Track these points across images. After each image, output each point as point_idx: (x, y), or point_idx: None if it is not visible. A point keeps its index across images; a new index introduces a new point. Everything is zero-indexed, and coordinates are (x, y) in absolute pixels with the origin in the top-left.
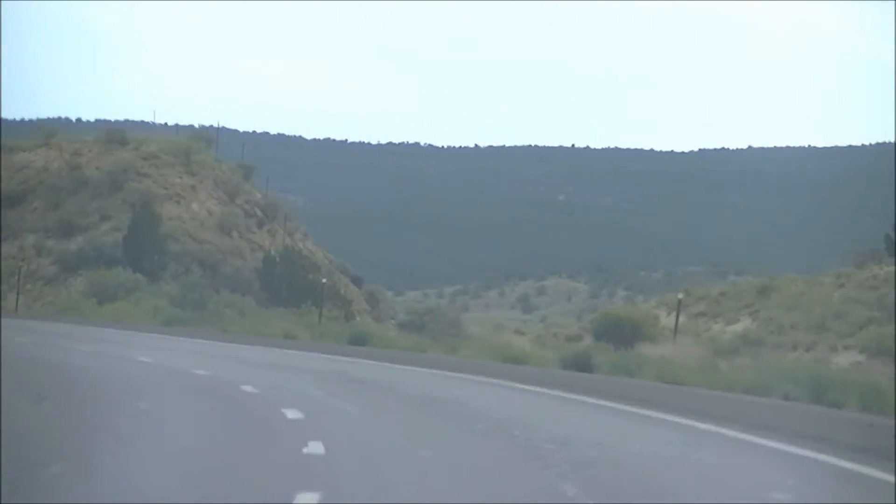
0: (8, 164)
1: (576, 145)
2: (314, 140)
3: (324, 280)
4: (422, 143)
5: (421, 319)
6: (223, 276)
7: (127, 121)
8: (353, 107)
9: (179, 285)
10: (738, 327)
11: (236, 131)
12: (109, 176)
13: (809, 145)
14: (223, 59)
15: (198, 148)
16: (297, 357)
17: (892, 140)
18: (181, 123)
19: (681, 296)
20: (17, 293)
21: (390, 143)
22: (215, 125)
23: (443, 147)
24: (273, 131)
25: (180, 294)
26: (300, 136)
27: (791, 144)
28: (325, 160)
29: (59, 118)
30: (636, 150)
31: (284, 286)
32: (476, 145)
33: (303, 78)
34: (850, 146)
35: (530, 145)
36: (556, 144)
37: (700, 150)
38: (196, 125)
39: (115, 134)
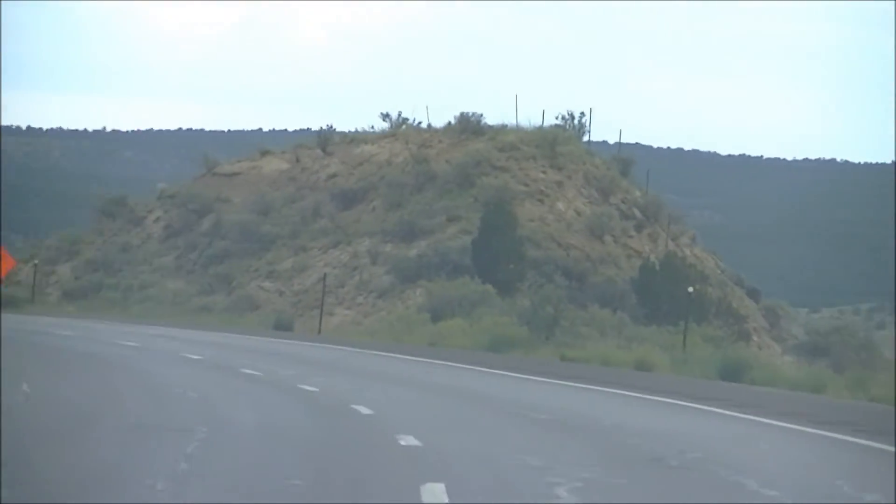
0: (347, 158)
1: None
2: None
3: (690, 289)
4: (838, 160)
5: (825, 341)
6: (592, 288)
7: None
8: (771, 124)
9: (534, 298)
10: None
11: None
12: (460, 170)
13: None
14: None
15: (565, 138)
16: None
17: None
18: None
19: None
20: (321, 311)
21: (806, 160)
22: (584, 113)
23: (859, 163)
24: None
25: (531, 309)
26: (680, 148)
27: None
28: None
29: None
30: None
31: (664, 299)
32: None
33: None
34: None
35: None
36: None
37: None
38: (564, 114)
39: (470, 123)
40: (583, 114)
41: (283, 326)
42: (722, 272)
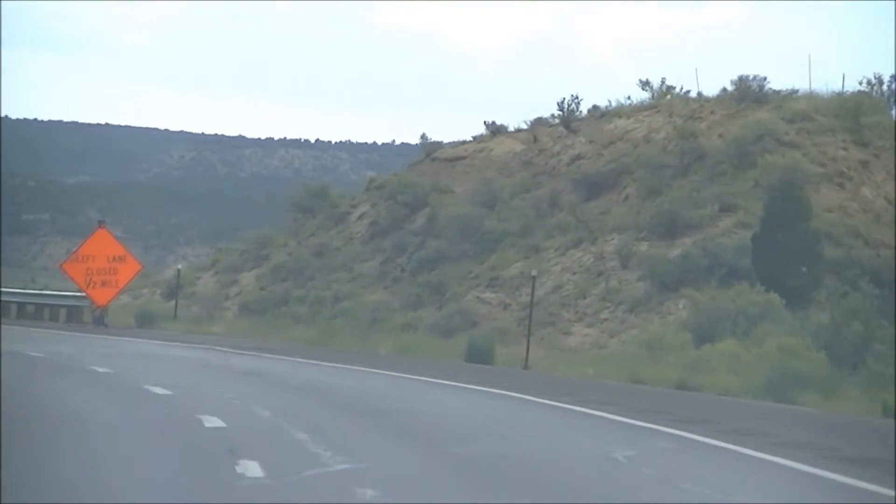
0: (596, 136)
1: None
2: None
3: None
4: None
5: None
6: None
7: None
8: None
9: (834, 312)
10: None
11: None
12: (736, 147)
13: None
14: None
15: (871, 106)
16: None
17: None
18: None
19: None
20: (528, 336)
21: None
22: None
23: None
24: None
25: (830, 327)
26: None
27: None
28: None
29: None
30: None
31: None
32: None
33: None
34: None
35: None
36: None
37: None
38: (869, 78)
39: (750, 88)
40: (893, 78)
41: (478, 355)
42: None
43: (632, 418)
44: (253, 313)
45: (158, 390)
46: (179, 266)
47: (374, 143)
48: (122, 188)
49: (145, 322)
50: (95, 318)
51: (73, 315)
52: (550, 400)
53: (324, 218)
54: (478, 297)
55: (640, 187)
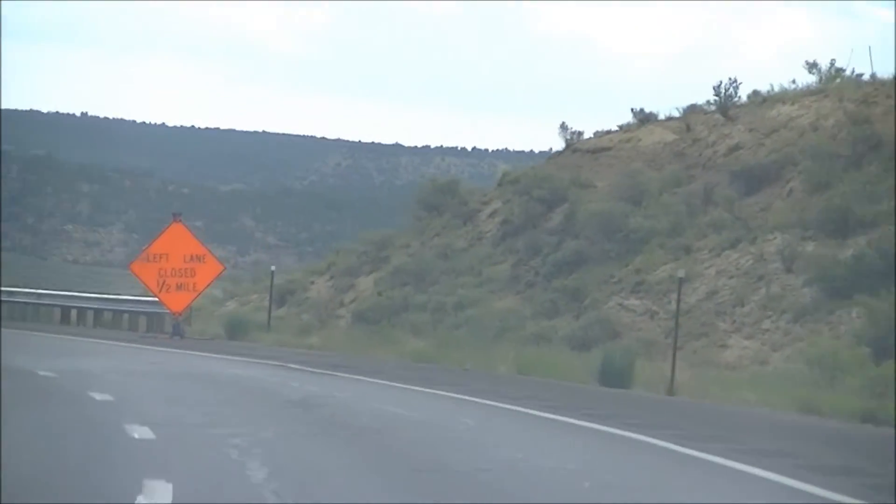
0: (756, 124)
1: None
2: None
3: None
4: None
5: None
6: None
7: None
8: None
9: None
10: None
11: None
12: None
13: None
14: None
15: None
16: None
17: None
18: None
19: None
20: (673, 353)
21: None
22: None
23: None
24: None
25: None
26: None
27: None
28: None
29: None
30: None
31: None
32: None
33: None
34: None
35: None
36: None
37: None
38: None
39: None
40: None
41: (614, 375)
42: None
43: (826, 487)
44: (367, 322)
45: (134, 429)
46: (273, 267)
47: (532, 151)
48: (277, 195)
49: (236, 332)
50: (174, 328)
51: (154, 323)
52: (697, 449)
53: (451, 216)
54: (620, 304)
55: (806, 180)
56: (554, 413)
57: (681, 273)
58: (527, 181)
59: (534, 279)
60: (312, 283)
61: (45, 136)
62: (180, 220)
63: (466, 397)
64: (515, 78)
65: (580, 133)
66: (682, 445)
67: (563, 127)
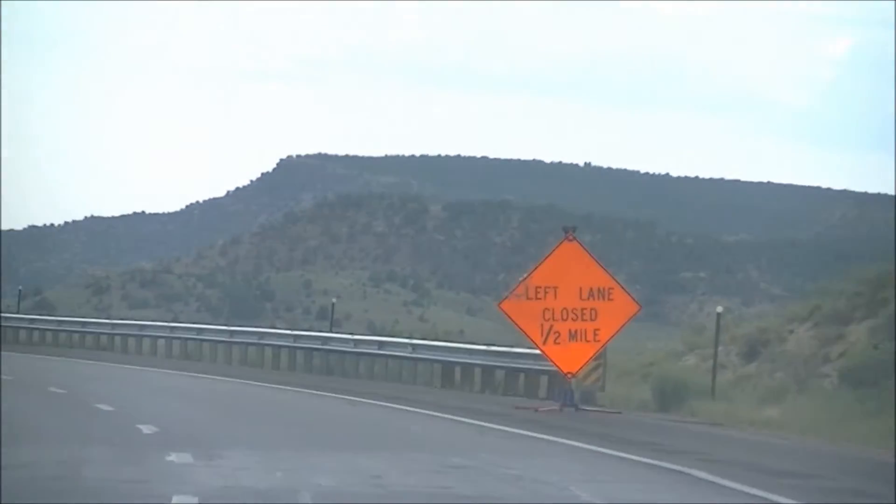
0: None
1: None
2: None
3: None
4: None
5: None
6: None
7: None
8: None
9: None
10: None
11: None
12: None
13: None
14: None
15: None
16: None
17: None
18: None
19: None
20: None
21: None
22: None
23: None
24: None
25: None
26: None
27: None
28: None
29: None
30: None
31: None
32: None
33: None
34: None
35: None
36: None
37: None
38: None
39: None
40: None
41: None
42: None
43: None
44: (859, 384)
45: None
46: (720, 309)
47: None
48: (782, 246)
49: (670, 401)
50: (565, 396)
51: (533, 386)
52: None
53: None
54: None
55: None
56: None
57: None
58: None
59: None
60: (791, 331)
61: (548, 186)
62: (573, 237)
63: None
64: None
65: None
66: None
67: None
